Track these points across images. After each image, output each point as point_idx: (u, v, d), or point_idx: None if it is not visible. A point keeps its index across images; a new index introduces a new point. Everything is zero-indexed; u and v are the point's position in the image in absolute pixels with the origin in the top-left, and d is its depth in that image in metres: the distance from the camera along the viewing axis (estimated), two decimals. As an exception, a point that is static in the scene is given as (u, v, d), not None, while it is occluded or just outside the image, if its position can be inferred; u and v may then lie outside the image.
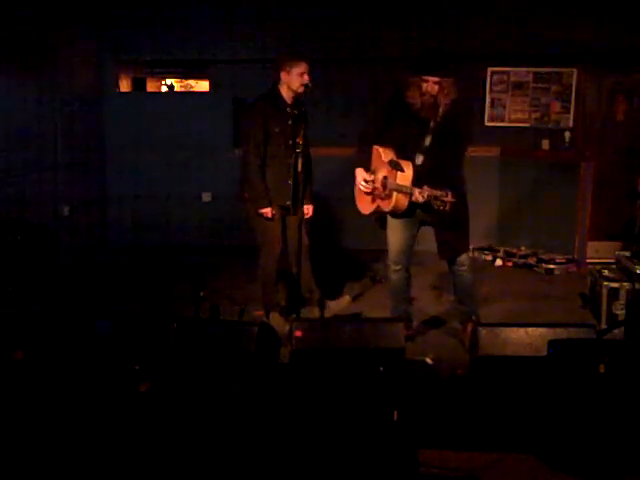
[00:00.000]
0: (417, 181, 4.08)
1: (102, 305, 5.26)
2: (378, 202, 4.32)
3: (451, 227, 4.24)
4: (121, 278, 6.22)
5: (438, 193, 3.86)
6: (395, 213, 4.27)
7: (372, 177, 4.31)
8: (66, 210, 6.51)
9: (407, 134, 4.21)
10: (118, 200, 7.39)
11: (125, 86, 7.63)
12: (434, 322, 4.99)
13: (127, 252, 7.05)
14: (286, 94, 4.59)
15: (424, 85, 4.04)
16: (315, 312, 4.81)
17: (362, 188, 4.33)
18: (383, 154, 4.23)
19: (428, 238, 4.48)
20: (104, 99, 7.39)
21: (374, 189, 4.31)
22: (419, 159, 4.20)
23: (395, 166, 4.10)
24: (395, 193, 4.11)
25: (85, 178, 7.03)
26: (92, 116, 7.21)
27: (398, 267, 4.47)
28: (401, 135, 4.22)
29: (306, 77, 4.50)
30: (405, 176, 4.09)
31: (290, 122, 4.54)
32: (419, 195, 3.97)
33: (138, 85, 7.79)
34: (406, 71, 4.16)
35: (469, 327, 4.40)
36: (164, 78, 7.96)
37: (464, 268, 4.43)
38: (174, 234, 7.29)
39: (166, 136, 7.27)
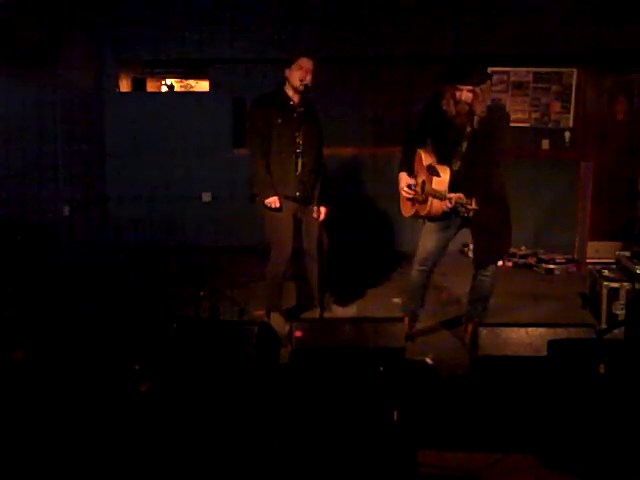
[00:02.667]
0: (454, 186, 4.09)
1: (102, 305, 5.26)
2: (417, 207, 4.34)
3: (488, 233, 4.25)
4: (121, 278, 6.22)
5: (463, 200, 3.89)
6: (431, 218, 4.28)
7: (414, 181, 4.34)
8: (66, 210, 6.50)
9: (444, 139, 4.23)
10: (118, 200, 7.39)
11: (125, 86, 7.63)
12: (435, 322, 4.99)
13: (127, 252, 7.05)
14: (291, 92, 4.63)
15: (458, 94, 4.05)
16: (317, 312, 4.81)
17: (404, 194, 4.37)
18: (424, 158, 4.26)
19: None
20: (104, 99, 7.39)
21: (415, 193, 4.34)
22: (456, 164, 4.20)
23: (432, 171, 4.13)
24: (430, 198, 4.13)
25: (85, 178, 7.03)
26: (92, 116, 7.21)
27: (423, 268, 4.49)
28: (439, 140, 4.26)
29: (304, 73, 4.52)
30: (441, 181, 4.10)
31: (294, 115, 4.56)
32: (447, 201, 4.00)
33: (138, 85, 7.78)
34: (440, 79, 4.19)
35: (470, 328, 4.46)
36: (164, 78, 7.96)
37: (488, 274, 4.42)
38: (174, 234, 7.29)
39: (166, 136, 7.28)
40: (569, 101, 7.03)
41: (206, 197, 7.43)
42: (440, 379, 3.97)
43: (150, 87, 7.92)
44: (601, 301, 4.86)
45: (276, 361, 3.68)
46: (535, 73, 7.08)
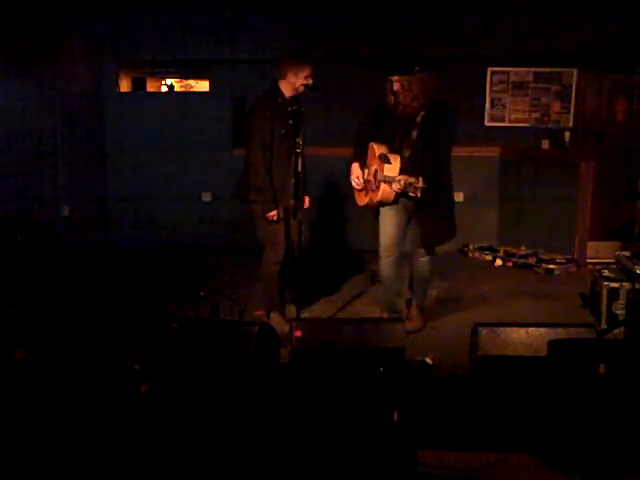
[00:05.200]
0: (405, 173, 4.28)
1: (102, 305, 5.25)
2: (370, 195, 4.56)
3: (434, 217, 4.47)
4: (121, 278, 6.22)
5: (411, 180, 4.10)
6: (384, 203, 4.50)
7: (365, 172, 4.56)
8: (66, 210, 6.50)
9: (394, 130, 4.45)
10: (118, 200, 7.38)
11: (125, 86, 7.63)
12: (434, 322, 4.98)
13: (127, 252, 7.05)
14: (287, 93, 4.62)
15: (391, 85, 4.35)
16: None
17: (354, 185, 4.62)
18: (376, 149, 4.46)
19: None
20: (104, 99, 7.38)
21: (367, 182, 4.57)
22: (407, 152, 4.40)
23: (384, 159, 4.34)
24: (382, 184, 4.36)
25: (85, 178, 7.02)
26: (92, 116, 7.20)
27: (388, 255, 4.62)
28: (390, 131, 4.47)
29: (310, 80, 4.59)
30: (392, 168, 4.31)
31: (291, 122, 4.55)
32: (396, 183, 4.23)
33: (138, 85, 7.78)
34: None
35: (412, 311, 4.78)
36: (164, 78, 7.96)
37: (424, 259, 4.64)
38: (174, 234, 7.28)
39: (166, 136, 7.27)
40: (569, 101, 7.03)
41: (206, 197, 7.43)
42: (440, 379, 3.97)
43: (150, 87, 7.92)
44: (601, 301, 4.86)
45: (276, 361, 3.68)
46: (535, 73, 7.08)
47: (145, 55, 7.39)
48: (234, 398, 3.29)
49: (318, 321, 4.40)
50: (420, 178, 4.07)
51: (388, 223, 4.59)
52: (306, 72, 4.56)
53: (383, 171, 4.33)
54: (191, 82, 8.15)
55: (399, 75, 4.31)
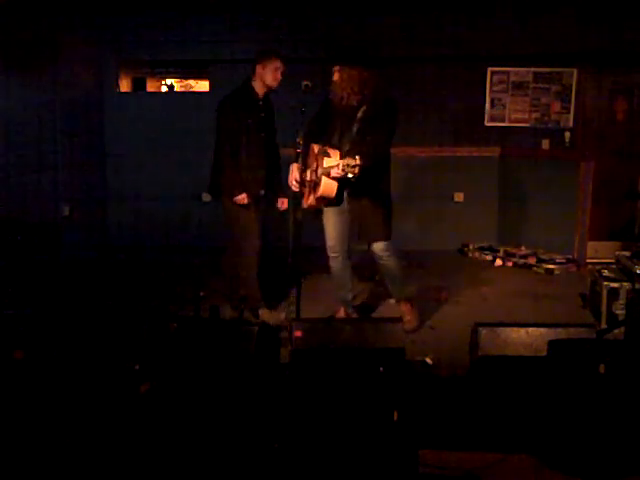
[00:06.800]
0: None
1: (102, 305, 5.25)
2: (312, 193, 4.46)
3: (369, 214, 4.51)
4: (121, 278, 6.22)
5: (349, 161, 4.04)
6: (327, 200, 4.42)
7: (307, 173, 4.45)
8: (66, 210, 6.51)
9: (336, 125, 4.48)
10: (118, 200, 7.38)
11: (125, 86, 7.63)
12: (434, 322, 4.98)
13: (127, 252, 7.04)
14: (259, 88, 4.75)
15: (332, 75, 4.42)
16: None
17: (292, 187, 4.48)
18: (315, 148, 4.43)
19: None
20: (104, 99, 7.38)
21: (309, 182, 4.47)
22: (346, 146, 4.39)
23: (323, 153, 4.31)
24: (323, 177, 4.29)
25: (85, 178, 7.03)
26: (92, 116, 7.21)
27: (335, 254, 4.68)
28: (331, 127, 4.49)
29: (279, 74, 4.69)
30: (331, 160, 4.27)
31: (263, 114, 4.75)
32: (336, 168, 4.14)
33: (138, 85, 7.79)
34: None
35: (405, 307, 4.78)
36: (164, 78, 7.97)
37: (386, 255, 4.63)
38: (174, 234, 7.28)
39: (166, 136, 7.27)
40: (569, 101, 7.03)
41: (206, 197, 7.41)
42: (440, 379, 3.97)
43: (150, 87, 7.93)
44: (601, 301, 4.86)
45: (276, 361, 3.68)
46: (535, 73, 7.08)
47: (145, 55, 7.40)
48: (234, 398, 3.29)
49: (318, 321, 4.39)
50: (357, 157, 4.03)
51: (329, 224, 4.65)
52: (274, 64, 4.66)
53: (322, 165, 4.29)
54: (191, 82, 8.15)
55: (339, 65, 4.38)
